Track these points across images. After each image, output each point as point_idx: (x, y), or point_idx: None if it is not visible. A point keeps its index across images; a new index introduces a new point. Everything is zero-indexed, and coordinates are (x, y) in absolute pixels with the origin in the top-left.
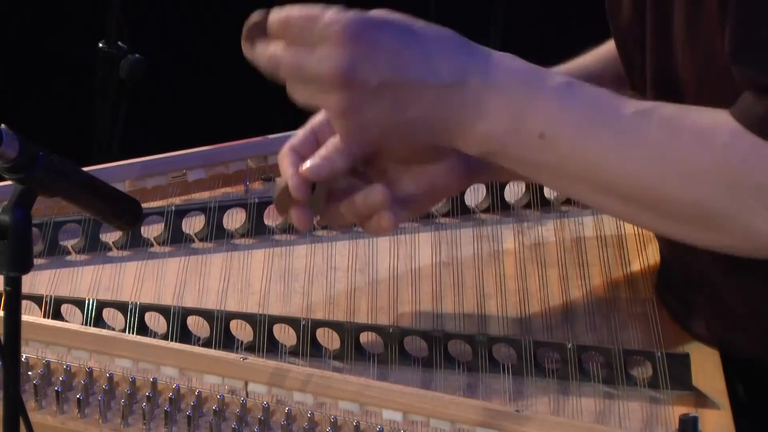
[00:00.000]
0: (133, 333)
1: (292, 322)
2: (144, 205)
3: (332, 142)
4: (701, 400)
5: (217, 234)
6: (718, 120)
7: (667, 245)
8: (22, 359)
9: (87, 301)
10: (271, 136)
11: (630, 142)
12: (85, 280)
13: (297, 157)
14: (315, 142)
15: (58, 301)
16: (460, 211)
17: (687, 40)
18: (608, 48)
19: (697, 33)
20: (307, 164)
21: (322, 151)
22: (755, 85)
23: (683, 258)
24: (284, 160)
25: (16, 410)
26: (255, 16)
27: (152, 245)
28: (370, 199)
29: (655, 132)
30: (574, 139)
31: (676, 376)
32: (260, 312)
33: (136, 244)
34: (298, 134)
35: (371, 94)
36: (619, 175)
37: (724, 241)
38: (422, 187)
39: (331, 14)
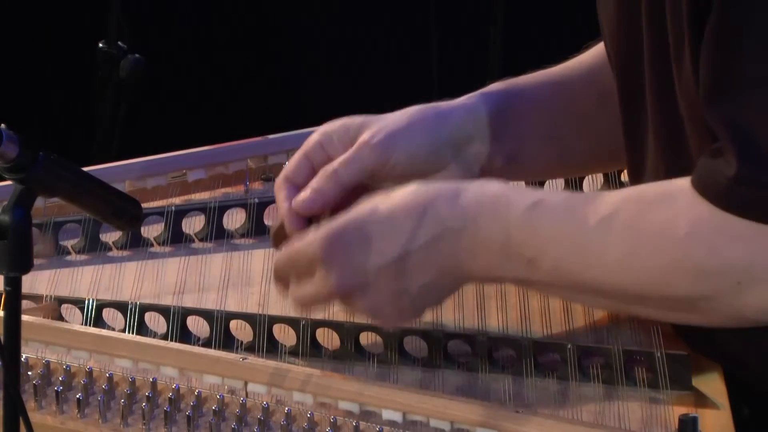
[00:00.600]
0: (132, 333)
1: (292, 322)
2: (144, 205)
3: (325, 171)
4: (701, 400)
5: (217, 234)
6: (678, 208)
7: None
8: (22, 359)
9: (87, 301)
10: (271, 136)
11: (598, 251)
12: (85, 280)
13: (292, 189)
14: (309, 168)
15: (58, 301)
16: None
17: (676, 69)
18: (593, 57)
19: (681, 68)
20: (299, 198)
21: (315, 182)
22: (726, 124)
23: None
24: (279, 194)
25: (16, 410)
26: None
27: (152, 245)
28: None
29: (618, 240)
30: (552, 259)
31: (676, 376)
32: (260, 312)
33: (136, 244)
34: (292, 161)
35: (374, 289)
36: (599, 283)
37: (712, 321)
38: None
39: (306, 243)
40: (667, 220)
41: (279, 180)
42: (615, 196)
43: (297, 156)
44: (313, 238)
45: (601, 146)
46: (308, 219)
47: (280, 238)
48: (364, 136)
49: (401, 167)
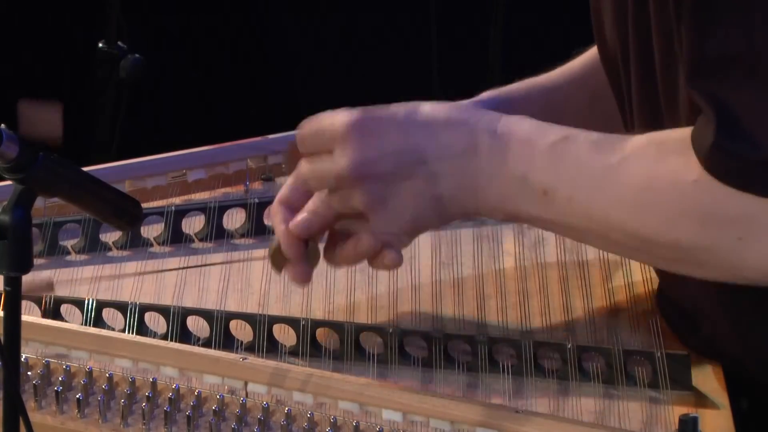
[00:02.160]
0: (132, 333)
1: (292, 322)
2: (144, 205)
3: (320, 194)
4: (701, 400)
5: (217, 234)
6: (691, 156)
7: (661, 274)
8: (22, 359)
9: (87, 301)
10: (271, 136)
11: (612, 189)
12: (85, 280)
13: (288, 212)
14: (304, 189)
15: (58, 301)
16: None
17: (663, 69)
18: (583, 61)
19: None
20: (296, 221)
21: (311, 204)
22: (706, 98)
23: (676, 290)
24: (276, 217)
25: (16, 410)
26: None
27: (152, 245)
28: (359, 247)
29: (634, 180)
30: (569, 193)
31: (676, 376)
32: (260, 312)
33: (136, 244)
34: (287, 184)
35: (390, 182)
36: (609, 221)
37: (710, 274)
38: None
39: (335, 117)
40: (680, 166)
41: (274, 204)
42: (640, 139)
43: (290, 179)
44: (345, 115)
45: None
46: (305, 241)
47: (278, 260)
48: None
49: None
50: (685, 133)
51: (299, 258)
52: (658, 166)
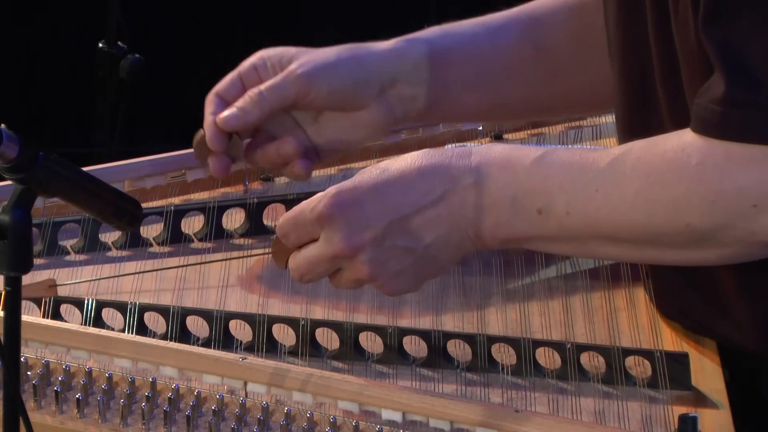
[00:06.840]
0: (132, 333)
1: (292, 322)
2: (143, 205)
3: (251, 93)
4: (700, 399)
5: (216, 234)
6: (686, 140)
7: None
8: (22, 359)
9: (86, 301)
10: None
11: (612, 191)
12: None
13: (220, 104)
14: (241, 87)
15: (58, 301)
16: None
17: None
18: (533, 9)
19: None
20: (223, 114)
21: (240, 102)
22: (718, 46)
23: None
24: (207, 107)
25: (16, 410)
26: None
27: (152, 245)
28: (282, 150)
29: (631, 174)
30: (564, 205)
31: (676, 375)
32: (259, 312)
33: (135, 244)
34: (226, 78)
35: (382, 245)
36: (613, 226)
37: (729, 253)
38: (335, 137)
39: (312, 203)
40: (677, 150)
41: (210, 94)
42: (626, 144)
43: (231, 74)
44: (320, 197)
45: (536, 98)
46: (229, 134)
47: (202, 152)
48: (291, 66)
49: (321, 99)
50: (673, 134)
51: (221, 150)
52: (654, 160)
